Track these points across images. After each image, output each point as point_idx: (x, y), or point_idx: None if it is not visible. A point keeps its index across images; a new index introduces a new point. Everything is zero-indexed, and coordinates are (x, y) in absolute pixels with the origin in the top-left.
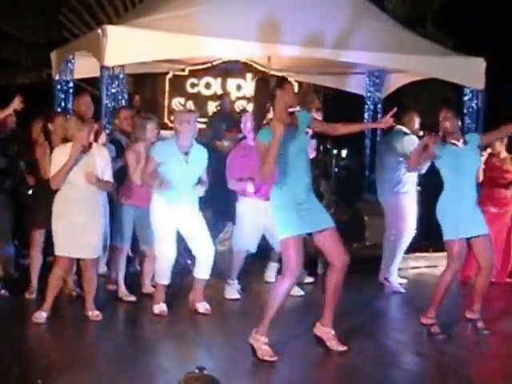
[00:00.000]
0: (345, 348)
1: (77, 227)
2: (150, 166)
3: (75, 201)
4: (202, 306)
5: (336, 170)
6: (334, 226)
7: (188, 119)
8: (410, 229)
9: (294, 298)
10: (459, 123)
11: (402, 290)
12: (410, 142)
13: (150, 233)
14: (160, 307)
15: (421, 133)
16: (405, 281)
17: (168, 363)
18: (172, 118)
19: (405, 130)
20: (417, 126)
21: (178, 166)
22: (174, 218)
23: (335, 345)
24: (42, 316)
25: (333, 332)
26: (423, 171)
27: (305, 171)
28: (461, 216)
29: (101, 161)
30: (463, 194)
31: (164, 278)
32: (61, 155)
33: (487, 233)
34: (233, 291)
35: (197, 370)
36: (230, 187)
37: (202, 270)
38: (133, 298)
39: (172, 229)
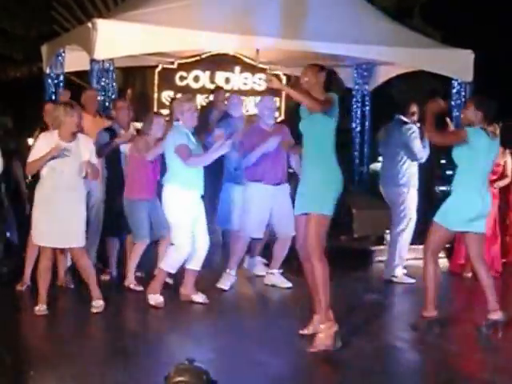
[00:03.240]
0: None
1: (61, 216)
2: (187, 152)
3: (59, 189)
4: (199, 297)
5: None
6: None
7: (189, 109)
8: (411, 220)
9: (281, 290)
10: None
11: (412, 280)
12: (410, 132)
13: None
14: (156, 298)
15: (418, 124)
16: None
17: (158, 355)
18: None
19: (404, 119)
20: (416, 116)
21: (194, 150)
22: (189, 204)
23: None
24: (43, 308)
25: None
26: (423, 160)
27: None
28: None
29: (86, 150)
30: None
31: (174, 268)
32: (44, 141)
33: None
34: (225, 282)
35: (186, 362)
36: (245, 165)
37: (195, 261)
38: (140, 288)
39: (190, 217)
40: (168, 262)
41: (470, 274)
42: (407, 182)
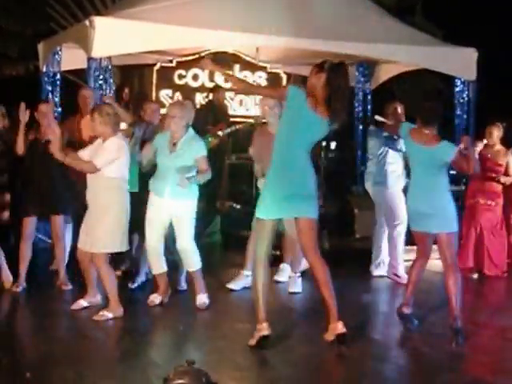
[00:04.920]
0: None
1: (85, 222)
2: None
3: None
4: (199, 299)
5: (325, 162)
6: None
7: (172, 115)
8: (401, 219)
9: (283, 292)
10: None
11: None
12: (377, 135)
13: None
14: (153, 298)
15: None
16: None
17: (158, 357)
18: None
19: (380, 119)
20: (397, 116)
21: (163, 157)
22: (160, 209)
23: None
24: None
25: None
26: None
27: None
28: None
29: (100, 148)
30: None
31: (154, 268)
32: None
33: None
34: (236, 283)
35: (186, 364)
36: None
37: (186, 263)
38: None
39: (157, 218)
40: (150, 265)
41: (475, 275)
42: (386, 181)
